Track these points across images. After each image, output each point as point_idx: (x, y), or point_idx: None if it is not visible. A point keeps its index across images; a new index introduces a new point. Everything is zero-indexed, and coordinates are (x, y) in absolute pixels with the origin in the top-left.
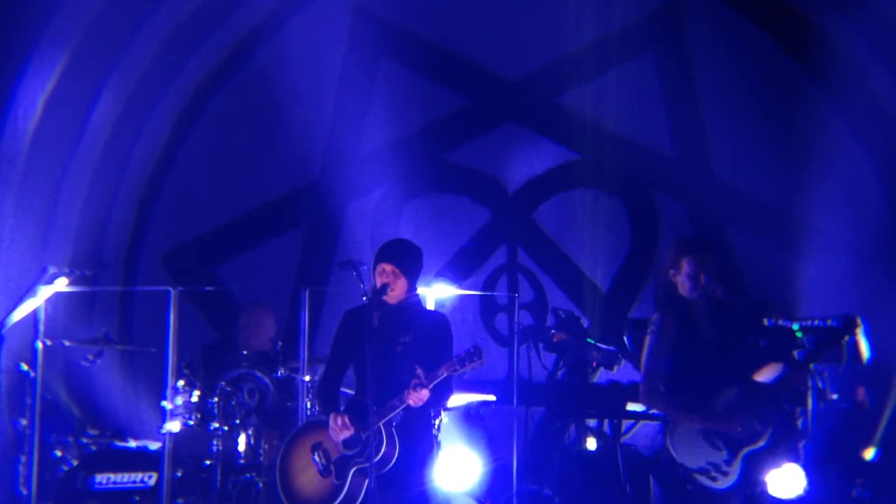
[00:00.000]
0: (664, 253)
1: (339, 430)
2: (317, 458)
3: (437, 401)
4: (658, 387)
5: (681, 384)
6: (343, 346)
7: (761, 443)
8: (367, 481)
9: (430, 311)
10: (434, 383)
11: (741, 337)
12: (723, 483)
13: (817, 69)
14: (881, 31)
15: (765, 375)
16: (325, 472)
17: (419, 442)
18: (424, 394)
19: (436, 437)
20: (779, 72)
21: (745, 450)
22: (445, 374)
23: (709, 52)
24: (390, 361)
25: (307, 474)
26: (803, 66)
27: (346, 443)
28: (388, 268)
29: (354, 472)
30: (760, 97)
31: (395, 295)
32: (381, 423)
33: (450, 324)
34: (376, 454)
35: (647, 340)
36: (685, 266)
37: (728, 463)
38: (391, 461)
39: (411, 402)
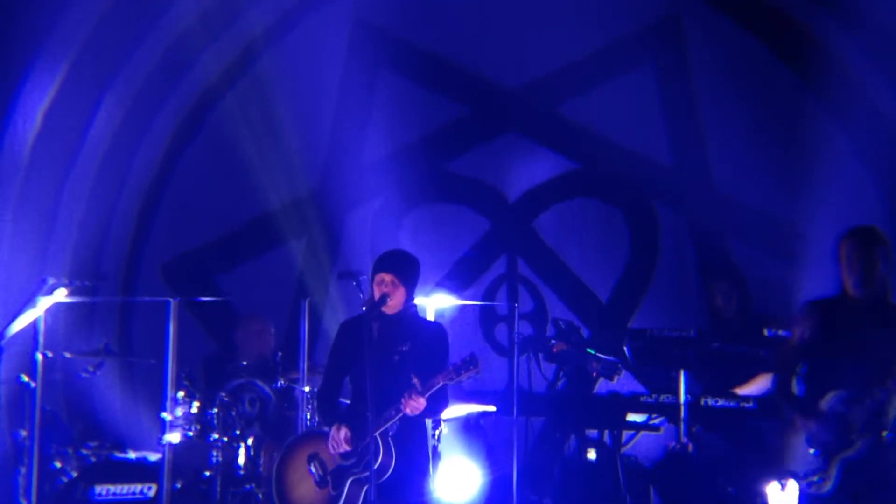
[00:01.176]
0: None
1: (339, 443)
2: (313, 468)
3: (433, 410)
4: (787, 384)
5: (811, 384)
6: (340, 356)
7: (852, 451)
8: (364, 491)
9: (427, 320)
10: (430, 392)
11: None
12: (822, 488)
13: (816, 80)
14: (880, 42)
15: (753, 387)
16: (321, 482)
17: (416, 451)
18: (421, 403)
19: (435, 447)
20: (778, 83)
21: (839, 456)
22: (441, 383)
23: (708, 63)
24: (388, 371)
25: (304, 485)
26: (802, 78)
27: (343, 453)
28: (388, 278)
29: (351, 483)
30: (759, 108)
31: (393, 305)
32: (377, 433)
33: (447, 334)
34: (374, 464)
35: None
36: (845, 252)
37: (822, 469)
38: (388, 470)
39: (407, 412)
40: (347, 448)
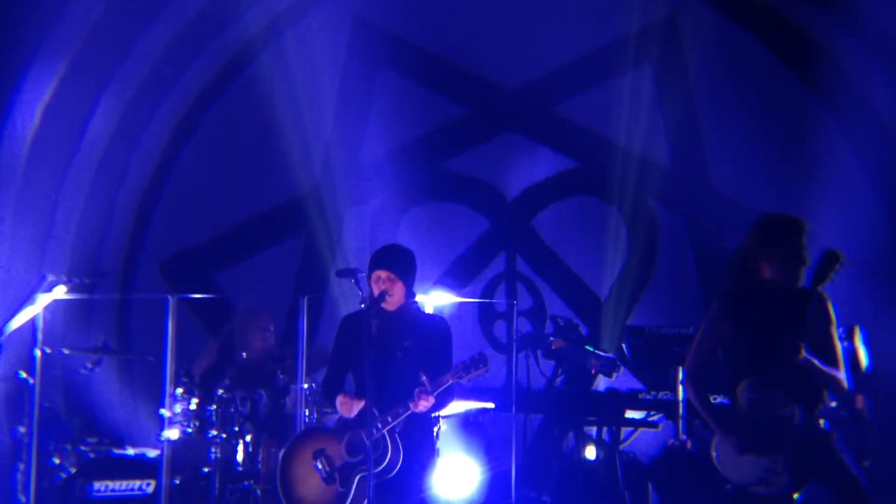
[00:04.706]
0: (751, 231)
1: (350, 405)
2: (319, 465)
3: (440, 406)
4: (696, 382)
5: (734, 382)
6: (342, 352)
7: (793, 426)
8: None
9: (429, 315)
10: (439, 391)
11: (815, 333)
12: (778, 484)
13: (816, 80)
14: (880, 42)
15: None
16: (328, 479)
17: (421, 448)
18: (430, 401)
19: (435, 443)
20: (777, 83)
21: (784, 442)
22: (450, 382)
23: (706, 63)
24: (390, 367)
25: (310, 481)
26: (802, 78)
27: (350, 449)
28: (384, 274)
29: (359, 480)
30: (758, 108)
31: (393, 301)
32: (385, 430)
33: (449, 327)
34: (382, 461)
35: (701, 328)
36: (783, 247)
37: (773, 466)
38: (396, 467)
39: (416, 410)
40: (360, 404)
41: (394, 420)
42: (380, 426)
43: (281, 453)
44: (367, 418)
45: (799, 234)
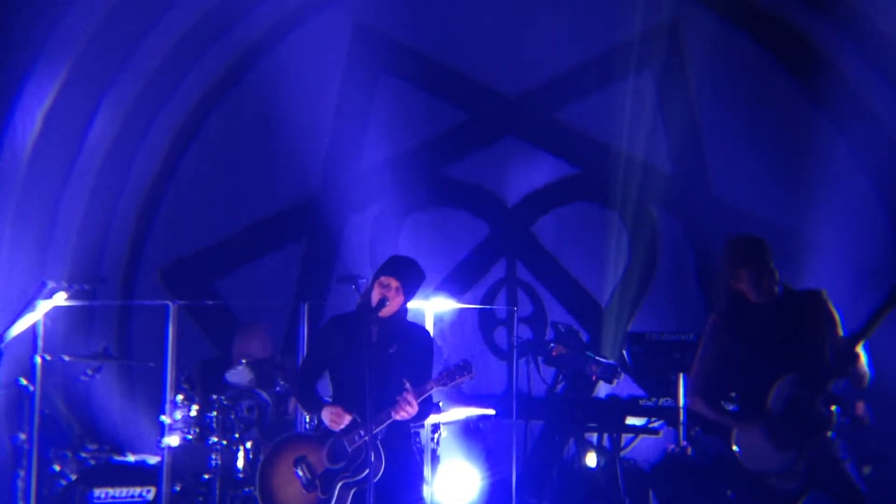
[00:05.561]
0: (721, 259)
1: (339, 418)
2: (300, 472)
3: (422, 415)
4: (705, 393)
5: (743, 389)
6: (323, 351)
7: (829, 431)
8: (351, 494)
9: (415, 324)
10: (423, 397)
11: (812, 331)
12: (792, 482)
13: (816, 87)
14: (880, 49)
15: None
16: (309, 486)
17: (404, 455)
18: (413, 408)
19: (435, 450)
20: (777, 89)
21: (812, 442)
22: (434, 388)
23: (707, 69)
24: (375, 373)
25: (290, 489)
26: (802, 84)
27: (331, 456)
28: (394, 283)
29: (341, 487)
30: (759, 114)
31: (388, 310)
32: (366, 437)
33: (433, 340)
34: (364, 468)
35: (702, 342)
36: (745, 275)
37: (794, 462)
38: (377, 474)
39: (400, 416)
40: (349, 417)
41: (377, 427)
42: (362, 433)
43: (260, 460)
44: (367, 422)
45: (760, 252)
